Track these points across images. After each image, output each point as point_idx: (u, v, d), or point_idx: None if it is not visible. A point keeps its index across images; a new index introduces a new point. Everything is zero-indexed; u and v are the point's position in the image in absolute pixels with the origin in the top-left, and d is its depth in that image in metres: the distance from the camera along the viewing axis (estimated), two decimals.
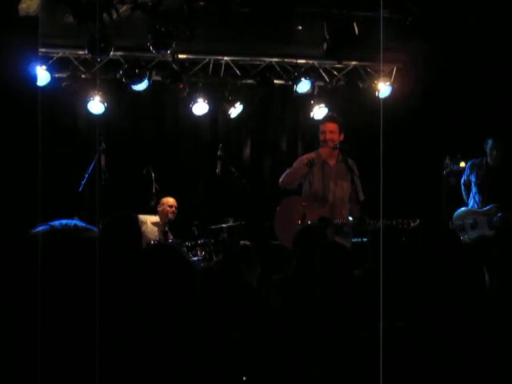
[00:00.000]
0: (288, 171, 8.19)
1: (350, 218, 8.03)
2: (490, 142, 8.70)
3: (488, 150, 8.72)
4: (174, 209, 9.40)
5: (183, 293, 3.11)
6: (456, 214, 8.69)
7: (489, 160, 8.73)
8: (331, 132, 8.06)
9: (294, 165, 8.25)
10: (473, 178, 8.78)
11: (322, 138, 8.06)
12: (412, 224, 7.58)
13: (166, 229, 9.03)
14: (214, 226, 9.29)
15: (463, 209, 8.70)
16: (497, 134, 8.70)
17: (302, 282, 5.27)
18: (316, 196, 8.09)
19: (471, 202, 8.75)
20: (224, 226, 9.20)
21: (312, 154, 8.25)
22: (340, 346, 4.15)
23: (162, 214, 9.37)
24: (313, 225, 7.08)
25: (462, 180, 8.90)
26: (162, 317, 3.03)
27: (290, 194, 8.34)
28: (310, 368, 3.90)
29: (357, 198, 7.90)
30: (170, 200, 9.44)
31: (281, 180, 8.17)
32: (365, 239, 7.64)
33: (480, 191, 8.70)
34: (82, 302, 2.95)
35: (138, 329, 3.01)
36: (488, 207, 8.46)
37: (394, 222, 7.39)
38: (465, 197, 8.83)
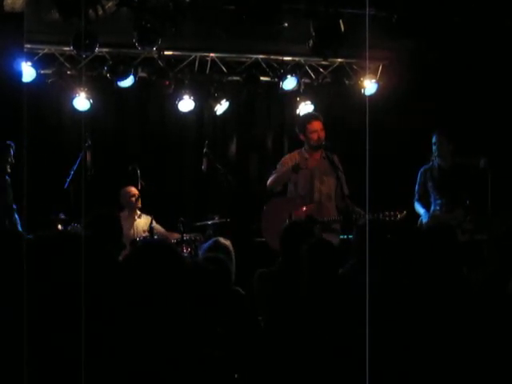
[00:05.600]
0: (274, 176, 8.26)
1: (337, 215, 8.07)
2: (434, 139, 8.63)
3: (434, 148, 8.66)
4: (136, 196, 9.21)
5: (176, 290, 3.10)
6: (421, 220, 8.63)
7: (439, 161, 8.68)
8: (322, 130, 8.13)
9: (279, 167, 8.32)
10: (430, 184, 8.72)
11: (314, 137, 8.12)
12: (399, 216, 7.62)
13: (152, 226, 9.02)
14: (199, 223, 9.29)
15: (425, 215, 8.62)
16: (438, 130, 8.69)
17: (288, 279, 5.28)
18: (301, 195, 8.13)
19: (432, 208, 8.69)
20: (210, 222, 9.20)
21: (295, 154, 8.30)
22: (327, 342, 4.16)
23: (129, 206, 9.28)
24: (299, 221, 7.10)
25: (416, 195, 8.81)
26: (152, 314, 3.03)
27: (276, 193, 8.38)
28: (297, 364, 3.91)
29: (342, 193, 7.94)
30: (132, 189, 9.21)
31: (268, 183, 8.24)
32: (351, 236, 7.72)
33: (440, 195, 8.64)
34: (68, 301, 2.94)
35: (127, 328, 3.00)
36: (455, 211, 8.41)
37: (381, 216, 7.43)
38: (421, 209, 8.74)
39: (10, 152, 8.04)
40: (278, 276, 5.45)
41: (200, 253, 6.47)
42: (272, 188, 8.27)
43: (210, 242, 6.02)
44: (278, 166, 8.35)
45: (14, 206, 8.10)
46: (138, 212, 9.24)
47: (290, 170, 8.13)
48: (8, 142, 8.01)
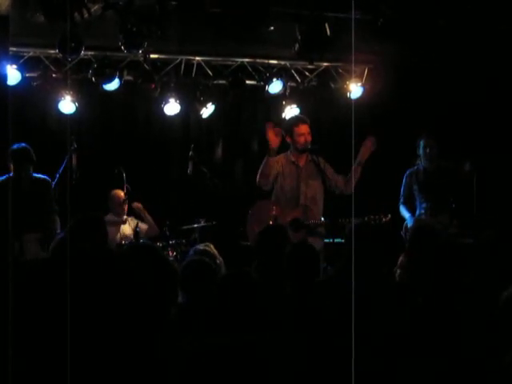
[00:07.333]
0: (259, 170, 8.24)
1: (323, 219, 8.08)
2: (421, 142, 8.68)
3: (422, 152, 8.68)
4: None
5: (163, 294, 3.10)
6: (406, 224, 8.63)
7: (425, 164, 8.69)
8: (308, 133, 8.15)
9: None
10: (415, 187, 8.74)
11: (301, 140, 8.13)
12: (384, 219, 7.64)
13: (138, 229, 8.99)
14: (185, 227, 9.28)
15: (410, 219, 8.64)
16: (426, 133, 8.72)
17: (263, 283, 5.25)
18: (287, 198, 8.13)
19: (417, 211, 8.70)
20: (195, 226, 9.20)
21: (281, 158, 8.30)
22: (310, 346, 4.15)
23: (116, 210, 9.26)
24: (274, 226, 7.09)
25: (402, 198, 8.84)
26: (139, 319, 3.02)
27: (262, 196, 8.38)
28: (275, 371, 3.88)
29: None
30: (121, 193, 9.17)
31: (257, 180, 8.22)
32: (337, 240, 7.73)
33: (425, 198, 8.65)
34: (53, 305, 2.93)
35: (113, 332, 3.00)
36: (440, 215, 8.42)
37: (366, 219, 7.44)
38: (406, 213, 8.76)
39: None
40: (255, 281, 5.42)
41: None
42: (260, 183, 8.22)
43: (191, 251, 6.01)
44: None
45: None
46: (125, 216, 9.23)
47: (267, 158, 8.13)
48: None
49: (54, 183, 8.23)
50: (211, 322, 3.91)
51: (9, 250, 3.02)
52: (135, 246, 5.24)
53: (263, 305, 4.07)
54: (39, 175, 8.05)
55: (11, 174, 7.74)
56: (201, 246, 5.92)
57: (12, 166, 7.73)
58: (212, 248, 5.87)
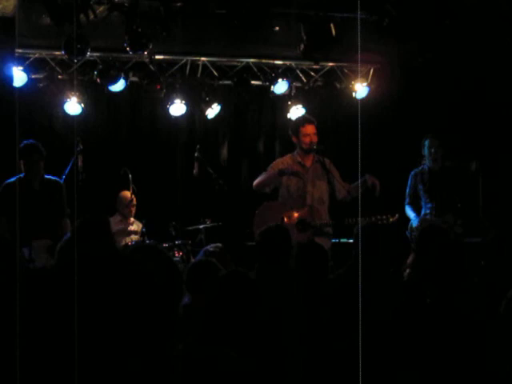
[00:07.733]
0: (261, 177, 8.23)
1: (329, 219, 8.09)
2: (426, 142, 8.68)
3: (427, 152, 8.68)
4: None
5: (168, 295, 3.10)
6: (412, 224, 8.63)
7: (430, 164, 8.69)
8: (314, 134, 8.14)
9: (268, 169, 8.29)
10: (420, 187, 8.74)
11: (307, 140, 8.12)
12: (391, 219, 7.63)
13: (143, 230, 9.00)
14: (191, 227, 9.29)
15: (415, 219, 8.63)
16: (431, 133, 8.72)
17: (263, 286, 5.25)
18: (294, 198, 8.12)
19: (422, 211, 8.70)
20: (201, 227, 9.21)
21: (287, 159, 8.30)
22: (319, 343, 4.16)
23: (124, 211, 9.36)
24: (276, 227, 7.07)
25: (407, 198, 8.83)
26: (144, 320, 3.03)
27: (268, 197, 8.37)
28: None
29: (335, 197, 7.99)
30: (129, 195, 9.23)
31: (254, 184, 8.23)
32: (343, 239, 7.73)
33: (430, 198, 8.64)
34: (60, 307, 2.94)
35: (118, 334, 3.01)
36: (445, 215, 8.41)
37: (373, 219, 7.44)
38: (411, 213, 8.75)
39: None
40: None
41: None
42: (258, 190, 8.25)
43: (201, 252, 6.01)
44: (268, 169, 8.34)
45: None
46: (132, 218, 9.27)
47: (276, 173, 8.14)
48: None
49: None
50: (211, 323, 3.91)
51: (18, 256, 3.02)
52: (141, 246, 5.25)
53: (264, 305, 4.08)
54: (51, 177, 8.01)
55: (22, 175, 7.71)
56: (211, 248, 5.92)
57: (22, 162, 7.70)
58: (222, 249, 5.87)
